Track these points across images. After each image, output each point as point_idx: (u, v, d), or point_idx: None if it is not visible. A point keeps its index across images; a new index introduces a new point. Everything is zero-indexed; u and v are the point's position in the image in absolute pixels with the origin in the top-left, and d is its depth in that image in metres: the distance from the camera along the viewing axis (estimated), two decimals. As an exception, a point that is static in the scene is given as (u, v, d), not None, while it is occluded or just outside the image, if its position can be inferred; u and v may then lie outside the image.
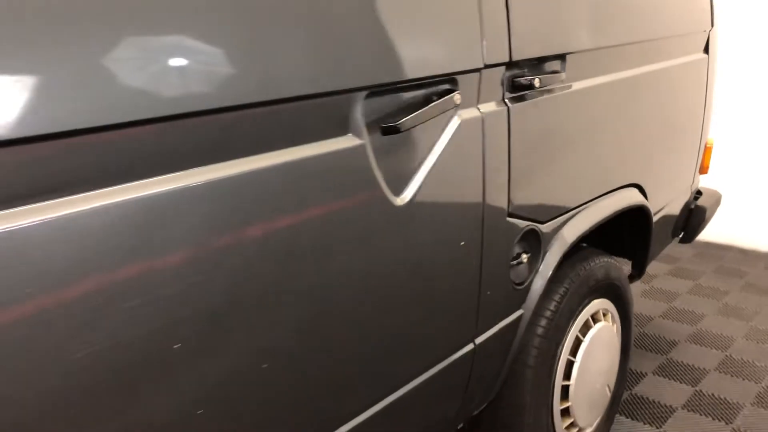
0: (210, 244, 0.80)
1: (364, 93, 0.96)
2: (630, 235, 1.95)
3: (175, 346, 0.78)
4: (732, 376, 2.26)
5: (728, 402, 2.11)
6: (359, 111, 0.96)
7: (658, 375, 2.27)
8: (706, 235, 3.36)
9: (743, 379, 2.23)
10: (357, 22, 0.94)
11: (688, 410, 2.07)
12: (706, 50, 2.13)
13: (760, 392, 2.15)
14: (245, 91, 0.80)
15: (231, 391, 0.87)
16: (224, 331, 0.84)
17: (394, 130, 0.98)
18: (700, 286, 2.97)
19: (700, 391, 2.17)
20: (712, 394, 2.15)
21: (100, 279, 0.70)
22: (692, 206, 2.29)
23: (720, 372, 2.28)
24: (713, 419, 2.03)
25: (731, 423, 2.00)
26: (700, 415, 2.05)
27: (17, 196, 0.64)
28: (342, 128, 0.95)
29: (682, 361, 2.35)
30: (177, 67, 0.74)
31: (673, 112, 1.96)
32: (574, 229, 1.52)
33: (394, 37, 0.99)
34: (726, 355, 2.38)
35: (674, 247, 3.23)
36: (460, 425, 1.50)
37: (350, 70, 0.93)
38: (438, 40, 1.08)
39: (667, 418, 2.03)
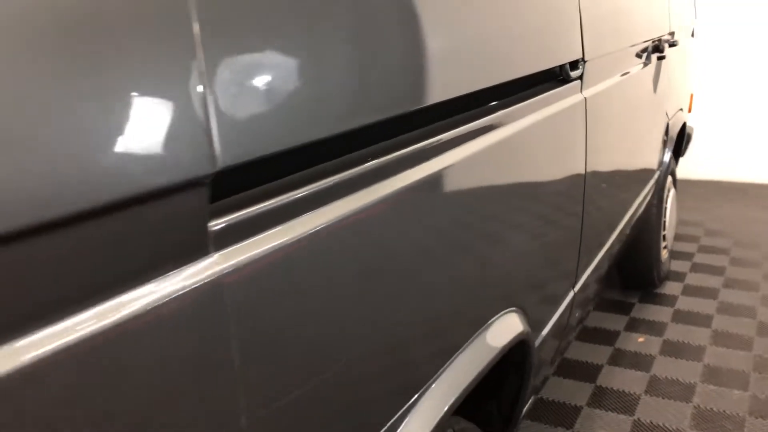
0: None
1: (652, 42, 2.14)
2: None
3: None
4: (708, 236, 3.65)
5: (717, 248, 3.48)
6: (650, 49, 2.14)
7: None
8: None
9: (721, 237, 3.63)
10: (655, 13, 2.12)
11: (692, 271, 3.42)
12: (692, 35, 3.50)
13: (734, 254, 3.55)
14: (645, 33, 1.95)
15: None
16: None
17: (663, 58, 2.17)
18: (665, 198, 4.39)
19: (701, 245, 3.53)
20: (705, 245, 3.52)
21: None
22: (684, 134, 3.66)
23: (706, 236, 3.67)
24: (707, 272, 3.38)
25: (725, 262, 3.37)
26: (698, 273, 3.40)
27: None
28: (644, 58, 2.12)
29: (676, 234, 3.72)
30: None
31: (684, 71, 3.29)
32: (676, 127, 2.78)
33: (659, 20, 2.18)
34: (704, 228, 3.79)
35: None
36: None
37: (654, 29, 2.11)
38: (663, 19, 2.28)
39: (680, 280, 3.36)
